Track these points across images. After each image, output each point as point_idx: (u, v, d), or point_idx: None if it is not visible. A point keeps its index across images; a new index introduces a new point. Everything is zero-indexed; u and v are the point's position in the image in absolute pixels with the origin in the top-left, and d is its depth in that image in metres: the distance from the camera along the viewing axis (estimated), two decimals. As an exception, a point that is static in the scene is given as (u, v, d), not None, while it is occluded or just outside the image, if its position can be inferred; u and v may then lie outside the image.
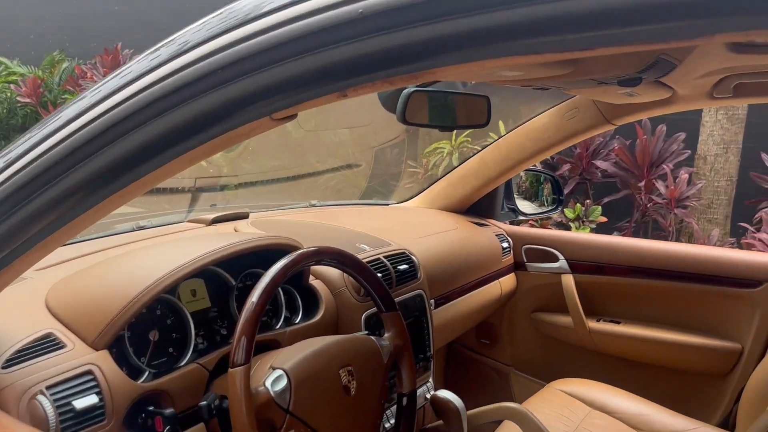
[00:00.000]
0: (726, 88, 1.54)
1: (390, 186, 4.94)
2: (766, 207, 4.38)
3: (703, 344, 1.87)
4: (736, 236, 4.51)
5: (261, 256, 1.25)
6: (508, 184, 2.25)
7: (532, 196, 2.43)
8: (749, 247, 4.22)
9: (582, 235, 2.10)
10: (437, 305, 1.75)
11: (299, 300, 1.35)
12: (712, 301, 1.88)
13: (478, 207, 2.21)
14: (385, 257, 1.55)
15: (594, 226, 4.81)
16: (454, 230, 1.98)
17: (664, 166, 4.57)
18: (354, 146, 4.96)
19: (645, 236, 4.77)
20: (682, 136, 4.61)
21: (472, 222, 2.14)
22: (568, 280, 2.07)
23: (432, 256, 1.75)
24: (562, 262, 2.09)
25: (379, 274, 1.32)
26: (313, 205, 2.10)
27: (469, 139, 4.84)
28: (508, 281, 2.13)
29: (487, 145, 2.12)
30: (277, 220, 1.80)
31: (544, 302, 2.17)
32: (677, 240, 4.66)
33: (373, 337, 1.19)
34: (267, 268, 1.11)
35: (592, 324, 2.04)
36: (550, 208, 2.35)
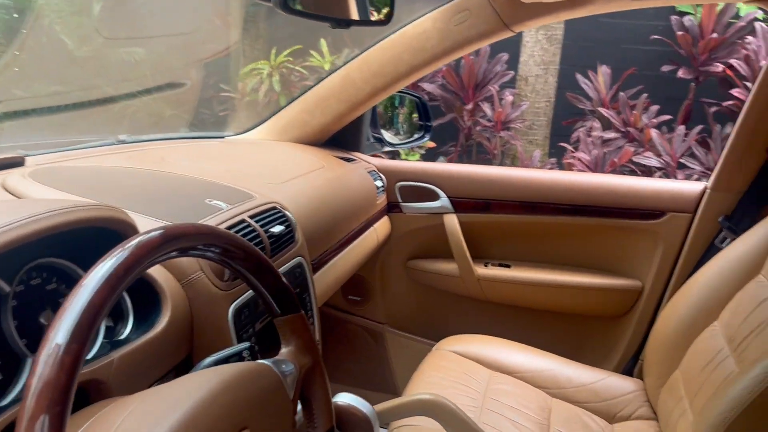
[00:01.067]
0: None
1: (205, 116, 4.24)
2: (581, 127, 4.50)
3: (603, 284, 1.69)
4: (556, 156, 4.61)
5: (58, 238, 0.71)
6: (373, 108, 1.84)
7: (395, 122, 2.06)
8: (570, 166, 4.33)
9: (466, 168, 1.80)
10: (315, 270, 1.33)
11: (127, 300, 0.83)
12: (612, 237, 1.70)
13: (341, 138, 1.78)
14: (251, 217, 1.07)
15: (423, 151, 4.63)
16: (321, 169, 1.54)
17: (490, 87, 4.47)
18: (166, 63, 4.08)
19: (470, 160, 4.71)
20: (505, 56, 4.52)
21: (337, 157, 1.71)
22: (452, 221, 1.75)
23: (303, 207, 1.30)
24: (443, 201, 1.77)
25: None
26: (123, 142, 1.50)
27: (291, 59, 4.30)
28: (383, 226, 1.76)
29: (334, 70, 1.68)
30: (72, 169, 1.20)
31: (422, 248, 1.85)
32: (502, 163, 4.66)
33: (268, 362, 0.73)
34: (70, 255, 0.67)
35: (480, 270, 1.76)
36: (418, 136, 2.00)
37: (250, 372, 0.69)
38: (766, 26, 3.82)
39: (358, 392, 0.89)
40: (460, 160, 4.66)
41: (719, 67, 4.10)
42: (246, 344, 0.84)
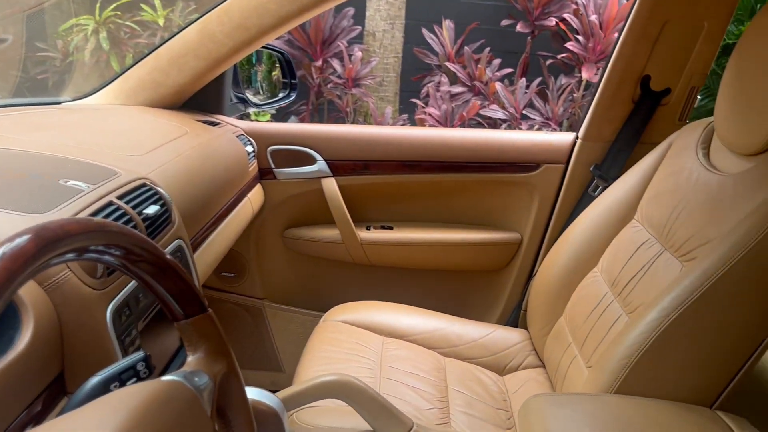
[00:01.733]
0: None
1: (19, 80, 3.68)
2: (429, 81, 4.55)
3: (484, 239, 1.70)
4: (408, 112, 4.64)
5: None
6: (234, 66, 1.67)
7: (254, 81, 1.89)
8: (421, 122, 4.38)
9: (343, 129, 1.69)
10: (194, 250, 1.18)
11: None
12: (490, 191, 1.70)
13: (201, 99, 1.59)
14: (119, 198, 0.90)
15: (273, 111, 4.44)
16: (186, 136, 1.36)
17: (339, 43, 4.36)
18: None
19: (322, 119, 4.61)
20: (351, 11, 4.42)
21: (199, 121, 1.53)
22: (330, 185, 1.66)
23: (173, 180, 1.13)
24: (320, 164, 1.66)
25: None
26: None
27: (119, 12, 3.86)
28: (256, 195, 1.62)
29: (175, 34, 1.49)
30: None
31: (299, 216, 1.74)
32: (354, 120, 4.61)
33: (177, 377, 0.60)
34: None
35: (363, 234, 1.69)
36: (283, 95, 1.86)
37: (161, 394, 0.55)
38: (592, -18, 4.06)
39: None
40: (312, 119, 4.54)
41: (553, 22, 4.32)
42: (139, 354, 0.69)
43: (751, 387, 1.45)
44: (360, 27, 4.49)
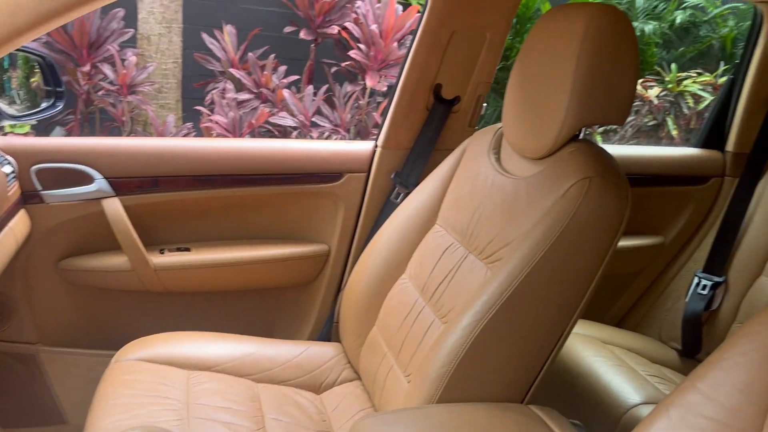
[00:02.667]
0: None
1: None
2: (213, 88, 4.36)
3: (290, 254, 1.64)
4: (193, 120, 4.39)
5: None
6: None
7: (7, 89, 1.61)
8: (208, 130, 4.17)
9: (125, 142, 1.50)
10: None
11: None
12: (294, 203, 1.64)
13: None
14: None
15: (34, 122, 3.90)
16: None
17: (109, 47, 3.97)
18: None
19: (93, 129, 4.17)
20: (122, 12, 4.06)
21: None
22: (113, 206, 1.47)
23: None
24: (100, 183, 1.46)
25: None
26: None
27: None
28: (19, 224, 1.37)
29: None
30: None
31: (78, 243, 1.52)
32: (132, 130, 4.24)
33: None
34: None
35: (156, 259, 1.53)
36: (46, 105, 1.60)
37: None
38: (370, -9, 4.19)
39: None
40: (82, 131, 4.08)
41: (335, 30, 4.38)
42: None
43: (553, 377, 1.57)
44: (133, 30, 4.14)
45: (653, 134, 4.73)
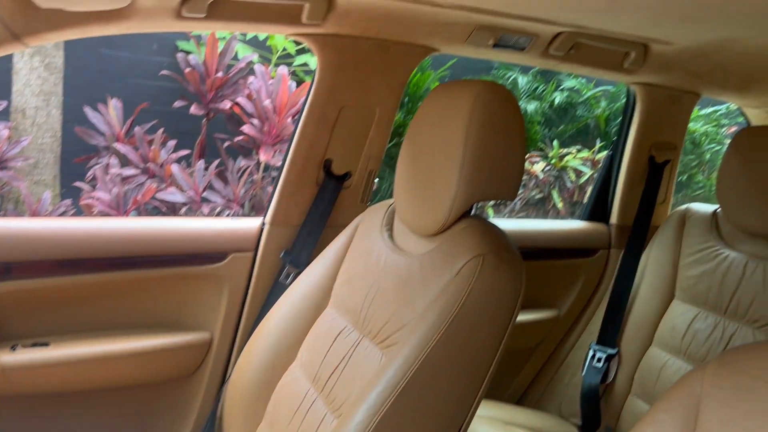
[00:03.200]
0: (200, 5, 1.15)
1: None
2: (96, 164, 4.12)
3: (167, 344, 1.48)
4: (71, 197, 4.10)
5: None
6: None
7: None
8: (89, 208, 3.90)
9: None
10: None
11: None
12: (173, 288, 1.49)
13: None
14: None
15: None
16: None
17: (-23, 119, 3.68)
18: None
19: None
20: (-8, 83, 3.81)
21: None
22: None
23: None
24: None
25: None
26: None
27: None
28: None
29: None
30: None
31: None
32: (3, 208, 3.90)
33: None
34: None
35: (6, 356, 1.33)
36: None
37: None
38: (263, 68, 4.19)
39: None
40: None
41: (227, 105, 4.31)
42: None
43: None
44: (5, 102, 3.87)
45: (541, 207, 4.93)
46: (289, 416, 1.19)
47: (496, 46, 1.47)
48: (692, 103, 1.89)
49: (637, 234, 1.83)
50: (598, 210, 1.97)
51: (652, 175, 1.89)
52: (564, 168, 4.87)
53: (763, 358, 0.65)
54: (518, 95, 5.21)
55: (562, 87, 5.23)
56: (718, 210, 1.69)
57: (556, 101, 5.17)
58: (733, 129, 5.29)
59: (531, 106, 5.12)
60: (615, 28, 1.41)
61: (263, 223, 1.55)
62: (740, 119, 2.09)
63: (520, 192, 4.98)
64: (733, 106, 2.08)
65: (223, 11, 1.21)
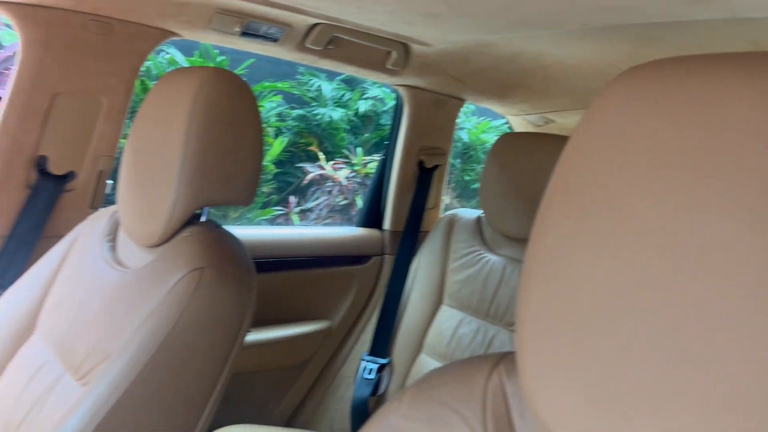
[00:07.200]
0: None
1: None
2: None
3: None
4: None
5: None
6: None
7: None
8: None
9: None
10: None
11: None
12: None
13: None
14: None
15: None
16: None
17: None
18: None
19: None
20: None
21: None
22: None
23: None
24: None
25: None
26: None
27: None
28: None
29: None
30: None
31: None
32: None
33: None
34: None
35: None
36: None
37: None
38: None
39: None
40: None
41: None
42: None
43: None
44: None
45: (346, 212, 4.92)
46: (-31, 475, 0.95)
47: (244, 34, 1.33)
48: (457, 108, 1.90)
49: (408, 240, 1.79)
50: (371, 216, 1.91)
51: (422, 180, 1.87)
52: (368, 175, 4.90)
53: (456, 384, 0.58)
54: (324, 102, 5.17)
55: (366, 96, 5.28)
56: (482, 215, 1.71)
57: (360, 110, 5.21)
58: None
59: (336, 114, 5.11)
60: (370, 23, 1.34)
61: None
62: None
63: (325, 198, 4.93)
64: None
65: None
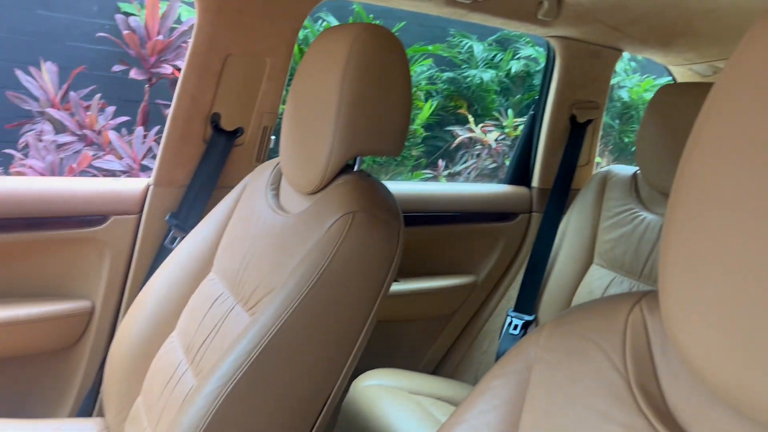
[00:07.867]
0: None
1: None
2: (30, 130, 3.94)
3: (44, 313, 1.38)
4: (3, 165, 3.92)
5: None
6: None
7: None
8: (21, 176, 3.74)
9: None
10: None
11: None
12: (49, 253, 1.39)
13: None
14: None
15: None
16: None
17: None
18: None
19: None
20: None
21: None
22: None
23: None
24: None
25: None
26: None
27: None
28: None
29: None
30: None
31: None
32: (-73, 177, 3.71)
33: None
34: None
35: None
36: None
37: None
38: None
39: None
40: None
41: (169, 69, 4.13)
42: None
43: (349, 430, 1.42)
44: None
45: (495, 176, 4.87)
46: (160, 389, 1.11)
47: (397, -11, 1.37)
48: (614, 59, 1.81)
49: (557, 198, 1.76)
50: (519, 173, 1.89)
51: (574, 135, 1.81)
52: (518, 137, 4.80)
53: (597, 318, 0.58)
54: (475, 64, 5.11)
55: (518, 55, 5.14)
56: (638, 171, 1.63)
57: (513, 70, 5.08)
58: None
59: (487, 75, 5.03)
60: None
61: (149, 185, 1.45)
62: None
63: (473, 161, 4.91)
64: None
65: None
